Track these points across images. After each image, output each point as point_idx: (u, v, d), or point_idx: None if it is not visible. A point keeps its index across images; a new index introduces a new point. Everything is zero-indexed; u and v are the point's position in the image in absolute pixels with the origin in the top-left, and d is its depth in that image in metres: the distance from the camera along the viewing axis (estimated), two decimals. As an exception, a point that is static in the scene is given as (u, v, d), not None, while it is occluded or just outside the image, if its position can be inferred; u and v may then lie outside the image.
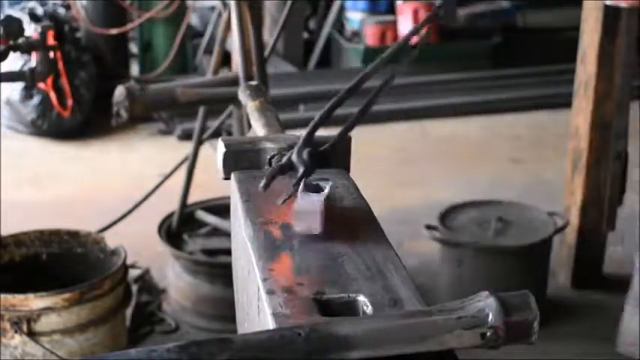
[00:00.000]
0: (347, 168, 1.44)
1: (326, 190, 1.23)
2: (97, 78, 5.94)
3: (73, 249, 3.37)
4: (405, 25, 6.58)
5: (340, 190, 1.34)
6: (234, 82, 3.35)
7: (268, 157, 1.40)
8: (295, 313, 1.02)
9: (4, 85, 5.14)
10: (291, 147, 1.39)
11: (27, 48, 2.97)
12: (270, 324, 1.00)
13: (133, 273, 3.85)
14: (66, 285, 3.03)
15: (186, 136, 5.50)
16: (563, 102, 4.89)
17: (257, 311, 1.10)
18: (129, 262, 3.41)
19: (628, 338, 3.46)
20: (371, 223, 1.24)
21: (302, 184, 1.22)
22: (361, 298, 1.05)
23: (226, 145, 1.41)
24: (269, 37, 5.55)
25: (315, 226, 1.19)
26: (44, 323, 2.95)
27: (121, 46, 6.48)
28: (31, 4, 5.83)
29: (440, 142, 5.85)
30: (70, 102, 4.55)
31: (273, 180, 1.22)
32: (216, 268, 3.68)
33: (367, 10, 6.75)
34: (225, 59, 4.11)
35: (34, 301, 2.92)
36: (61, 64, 3.28)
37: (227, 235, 3.77)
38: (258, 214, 1.26)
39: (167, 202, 4.06)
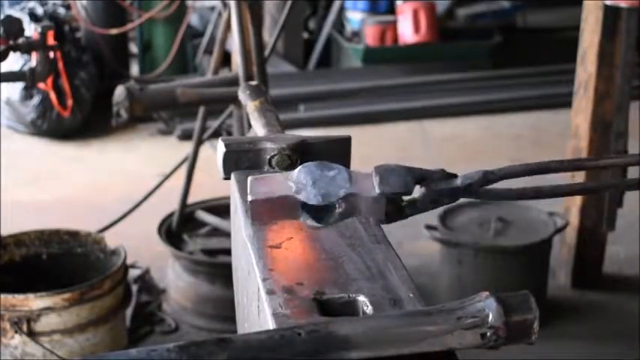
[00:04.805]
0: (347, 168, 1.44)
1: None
2: (97, 78, 5.94)
3: (73, 249, 3.38)
4: (404, 25, 6.58)
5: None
6: (234, 82, 3.35)
7: (268, 157, 1.40)
8: (295, 313, 1.01)
9: (4, 85, 5.14)
10: (290, 147, 1.39)
11: (27, 48, 2.97)
12: (270, 324, 1.00)
13: (133, 273, 3.85)
14: (66, 285, 3.03)
15: (186, 136, 5.50)
16: (563, 102, 4.88)
17: (257, 311, 1.09)
18: (129, 262, 3.42)
19: None
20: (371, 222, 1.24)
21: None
22: (361, 298, 1.05)
23: (226, 145, 1.40)
24: (269, 37, 5.55)
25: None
26: (44, 323, 2.95)
27: (121, 46, 6.49)
28: (31, 4, 5.83)
29: (440, 142, 5.84)
30: (70, 102, 4.55)
31: None
32: (216, 268, 3.68)
33: (367, 10, 6.74)
34: (225, 59, 4.11)
35: (34, 301, 2.92)
36: (61, 64, 3.27)
37: (227, 235, 3.77)
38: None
39: (167, 202, 4.06)
